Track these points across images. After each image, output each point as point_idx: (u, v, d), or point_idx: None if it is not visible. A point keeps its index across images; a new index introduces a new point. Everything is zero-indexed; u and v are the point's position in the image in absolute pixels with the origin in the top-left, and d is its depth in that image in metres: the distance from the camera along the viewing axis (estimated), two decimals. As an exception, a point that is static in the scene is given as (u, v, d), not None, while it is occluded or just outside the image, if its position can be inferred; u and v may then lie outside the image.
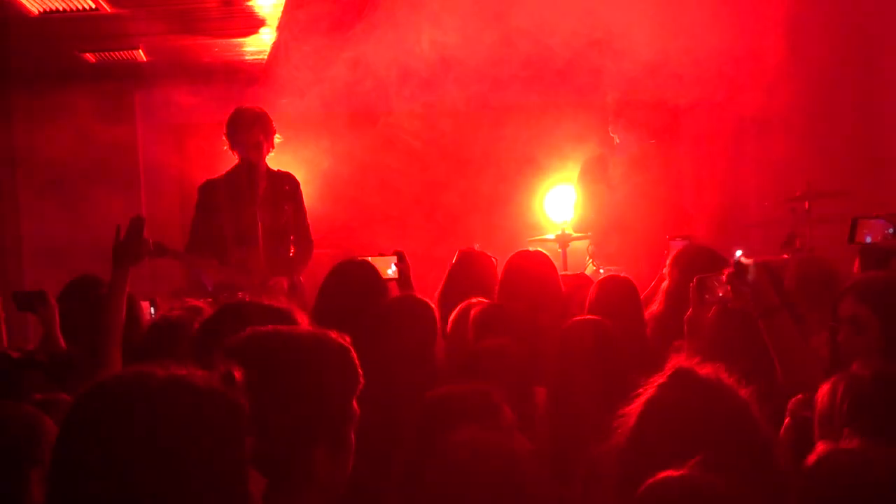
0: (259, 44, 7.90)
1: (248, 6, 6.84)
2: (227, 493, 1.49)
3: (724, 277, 3.17)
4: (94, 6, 6.41)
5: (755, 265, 3.05)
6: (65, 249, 8.10)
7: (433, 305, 3.79)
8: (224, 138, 5.88)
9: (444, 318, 4.43)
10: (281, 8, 6.87)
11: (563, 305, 4.22)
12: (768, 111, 6.97)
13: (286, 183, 6.00)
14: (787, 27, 6.34)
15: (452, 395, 2.66)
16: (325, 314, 3.81)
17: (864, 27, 7.27)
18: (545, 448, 3.14)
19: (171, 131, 8.85)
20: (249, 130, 5.77)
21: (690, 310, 3.24)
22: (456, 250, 4.95)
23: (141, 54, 7.96)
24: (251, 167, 5.83)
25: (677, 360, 2.27)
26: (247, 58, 8.35)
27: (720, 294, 3.21)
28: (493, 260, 4.81)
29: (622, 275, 4.32)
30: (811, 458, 2.01)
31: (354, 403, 1.98)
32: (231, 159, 5.94)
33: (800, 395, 2.64)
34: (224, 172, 5.94)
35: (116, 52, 7.95)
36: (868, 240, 3.55)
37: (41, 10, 6.45)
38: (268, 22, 7.27)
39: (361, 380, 1.98)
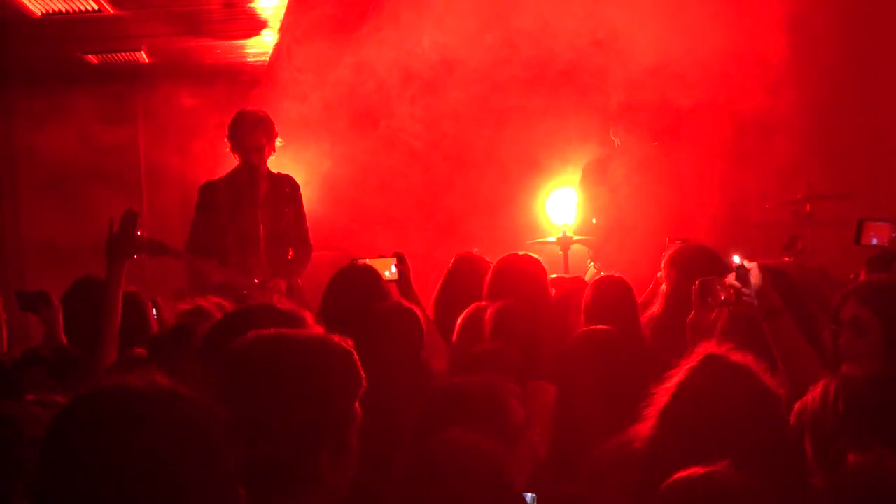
0: (261, 46, 7.91)
1: (249, 8, 6.85)
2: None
3: (726, 280, 3.17)
4: (96, 7, 6.42)
5: (757, 268, 3.05)
6: (66, 250, 8.10)
7: (419, 312, 3.78)
8: (226, 140, 5.88)
9: (442, 322, 4.43)
10: (283, 10, 6.88)
11: (551, 308, 4.21)
12: (770, 113, 6.96)
13: (287, 185, 6.01)
14: (790, 28, 6.34)
15: (457, 389, 2.67)
16: (327, 318, 3.81)
17: (868, 28, 7.27)
18: (550, 450, 3.14)
19: (173, 133, 8.85)
20: (252, 133, 5.78)
21: (693, 313, 3.24)
22: (456, 253, 4.94)
23: (143, 56, 7.97)
24: (252, 169, 5.83)
25: (708, 346, 2.29)
26: (249, 60, 8.36)
27: (722, 297, 3.21)
28: (490, 264, 4.78)
29: (617, 275, 4.31)
30: (845, 467, 2.01)
31: (357, 406, 1.98)
32: (232, 161, 5.94)
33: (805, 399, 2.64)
34: (225, 174, 5.95)
35: (118, 54, 7.96)
36: (874, 241, 3.54)
37: (44, 11, 6.46)
38: (269, 24, 7.28)
39: (364, 382, 1.99)
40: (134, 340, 4.02)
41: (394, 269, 5.00)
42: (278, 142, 5.91)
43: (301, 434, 1.88)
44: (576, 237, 6.64)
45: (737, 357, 2.25)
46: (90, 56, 7.96)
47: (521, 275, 4.26)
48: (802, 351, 2.99)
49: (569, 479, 2.86)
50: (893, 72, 7.35)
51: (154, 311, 4.65)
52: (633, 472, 2.20)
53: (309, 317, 2.36)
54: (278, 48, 7.76)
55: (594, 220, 6.54)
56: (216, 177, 5.99)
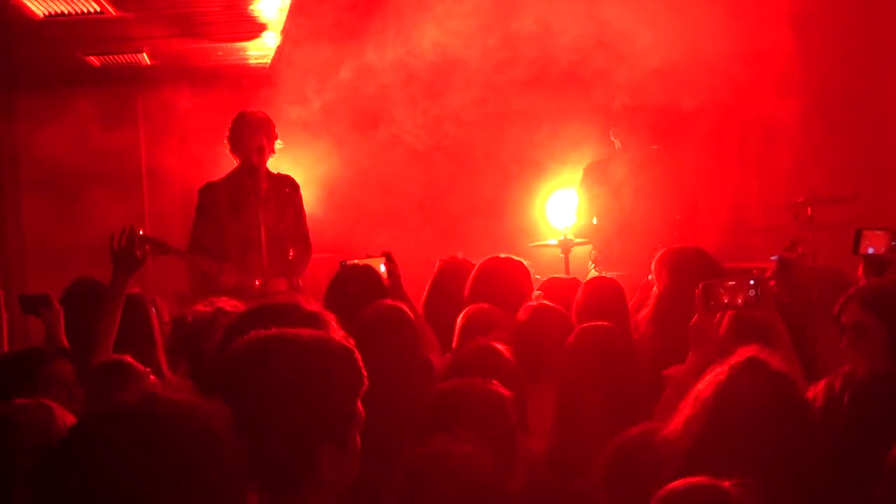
0: (262, 48, 7.92)
1: (251, 10, 6.86)
2: None
3: (729, 283, 3.18)
4: (98, 9, 6.43)
5: (799, 260, 3.04)
6: (67, 252, 8.11)
7: (408, 310, 3.78)
8: (226, 141, 5.88)
9: (431, 326, 4.42)
10: (285, 12, 6.88)
11: None
12: (772, 117, 6.96)
13: (286, 186, 6.02)
14: (793, 33, 6.34)
15: (458, 392, 2.67)
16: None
17: (872, 33, 7.27)
18: (551, 450, 3.14)
19: (174, 134, 8.86)
20: (254, 134, 5.79)
21: (696, 316, 3.24)
22: (440, 258, 4.95)
23: (145, 58, 7.97)
24: (253, 170, 5.84)
25: (746, 349, 2.30)
26: (250, 62, 8.36)
27: (725, 300, 3.21)
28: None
29: (608, 276, 4.30)
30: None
31: (359, 404, 1.98)
32: (233, 162, 5.94)
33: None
34: (224, 175, 5.95)
35: (120, 56, 7.97)
36: (871, 251, 3.54)
37: (46, 13, 6.46)
38: (271, 26, 7.28)
39: (365, 381, 1.99)
40: (137, 341, 4.04)
41: (383, 268, 5.00)
42: (277, 144, 5.91)
43: (301, 433, 1.88)
44: (577, 240, 6.64)
45: (774, 361, 2.27)
46: (92, 58, 7.97)
47: (503, 278, 4.25)
48: (835, 349, 2.98)
49: (573, 474, 2.87)
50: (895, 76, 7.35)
51: (154, 311, 4.65)
52: (659, 463, 2.20)
53: (332, 318, 2.35)
54: (280, 50, 7.76)
55: (595, 221, 6.54)
56: (216, 178, 5.99)
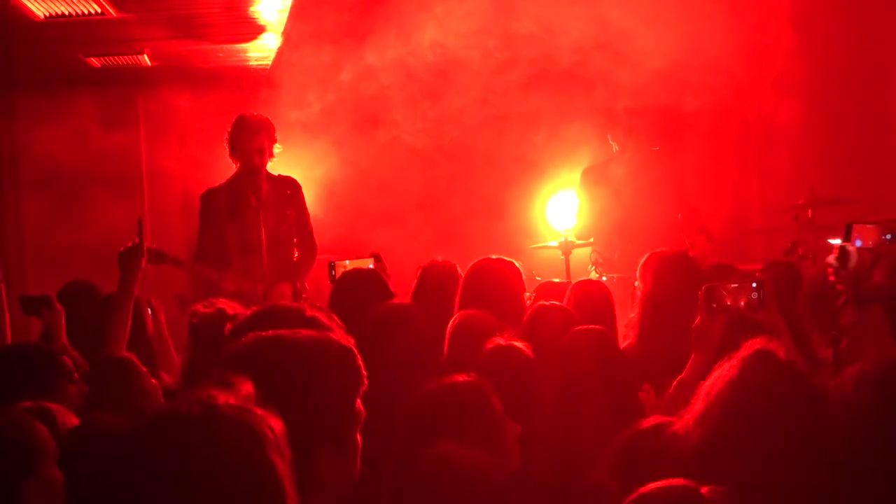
0: (263, 49, 7.92)
1: (251, 12, 6.86)
2: None
3: (731, 286, 3.18)
4: (98, 10, 6.43)
5: (858, 251, 3.01)
6: (67, 253, 8.11)
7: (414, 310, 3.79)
8: (225, 144, 5.87)
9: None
10: (286, 14, 6.89)
11: (524, 312, 4.19)
12: (773, 119, 6.97)
13: (287, 188, 6.00)
14: (794, 34, 6.34)
15: (442, 391, 2.67)
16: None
17: (872, 36, 7.27)
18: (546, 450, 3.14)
19: (175, 136, 8.86)
20: (255, 136, 5.77)
21: (698, 318, 3.25)
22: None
23: (145, 59, 7.98)
24: (253, 173, 5.83)
25: (755, 342, 2.29)
26: (251, 63, 8.37)
27: (728, 303, 3.21)
28: (457, 267, 4.74)
29: (596, 279, 4.29)
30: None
31: (359, 405, 1.97)
32: (233, 164, 5.94)
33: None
34: (225, 180, 5.94)
35: (121, 57, 7.97)
36: (858, 244, 3.54)
37: (46, 14, 6.47)
38: (271, 28, 7.29)
39: (365, 381, 1.98)
40: (131, 342, 4.05)
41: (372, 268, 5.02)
42: (276, 148, 5.90)
43: (296, 434, 1.87)
44: (577, 241, 6.65)
45: (784, 354, 2.27)
46: (92, 59, 7.98)
47: (495, 278, 4.24)
48: (885, 344, 2.96)
49: (573, 470, 2.87)
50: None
51: (150, 311, 4.66)
52: (669, 457, 2.19)
53: (333, 321, 2.35)
54: (280, 52, 7.77)
55: (595, 220, 6.55)
56: (217, 179, 5.99)
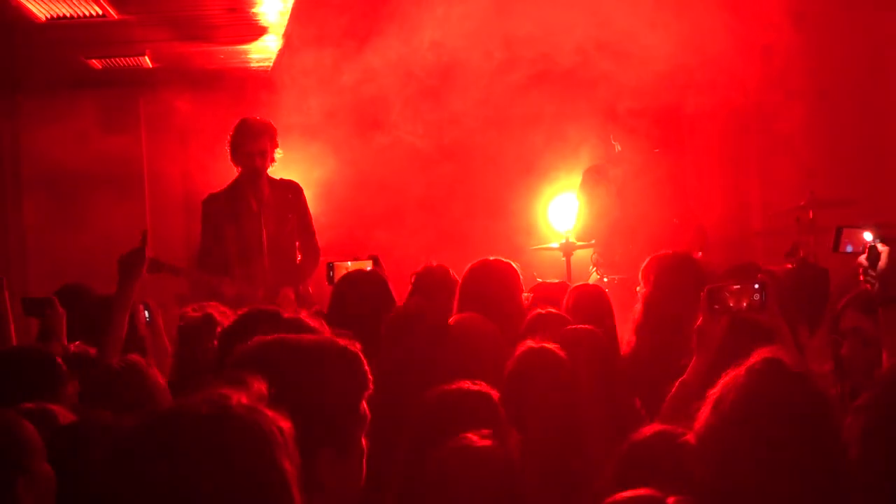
0: (264, 51, 7.93)
1: (252, 13, 6.87)
2: None
3: (734, 287, 3.18)
4: (100, 12, 6.44)
5: (890, 252, 2.97)
6: (68, 254, 8.12)
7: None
8: (227, 148, 5.86)
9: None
10: (287, 16, 6.90)
11: (522, 313, 4.19)
12: (774, 120, 6.97)
13: (289, 191, 6.00)
14: (795, 35, 6.34)
15: (451, 396, 2.67)
16: (336, 324, 3.80)
17: (873, 37, 7.27)
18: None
19: (176, 138, 8.86)
20: (257, 139, 5.78)
21: (700, 320, 3.24)
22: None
23: (146, 61, 7.98)
24: (254, 177, 5.83)
25: (761, 351, 2.28)
26: (252, 65, 8.37)
27: (730, 304, 3.21)
28: (449, 269, 4.72)
29: (593, 283, 4.30)
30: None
31: (364, 408, 1.96)
32: (234, 167, 5.93)
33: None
34: (226, 185, 5.94)
35: (122, 59, 7.98)
36: (849, 249, 3.52)
37: (48, 16, 6.47)
38: (272, 29, 7.29)
39: (370, 384, 1.97)
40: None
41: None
42: (277, 153, 5.90)
43: (299, 435, 1.87)
44: (578, 243, 6.65)
45: (791, 362, 2.26)
46: (94, 61, 7.98)
47: (493, 279, 4.24)
48: None
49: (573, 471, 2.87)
50: (896, 79, 7.36)
51: (146, 313, 4.64)
52: (679, 466, 2.18)
53: (320, 324, 2.35)
54: (281, 54, 7.77)
55: (595, 221, 6.55)
56: (218, 181, 6.00)
